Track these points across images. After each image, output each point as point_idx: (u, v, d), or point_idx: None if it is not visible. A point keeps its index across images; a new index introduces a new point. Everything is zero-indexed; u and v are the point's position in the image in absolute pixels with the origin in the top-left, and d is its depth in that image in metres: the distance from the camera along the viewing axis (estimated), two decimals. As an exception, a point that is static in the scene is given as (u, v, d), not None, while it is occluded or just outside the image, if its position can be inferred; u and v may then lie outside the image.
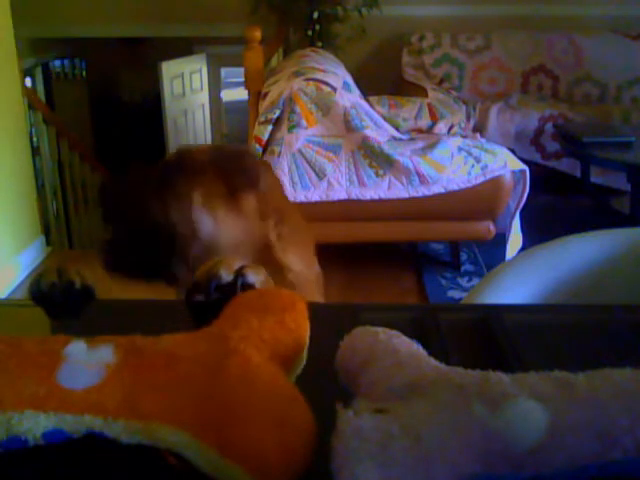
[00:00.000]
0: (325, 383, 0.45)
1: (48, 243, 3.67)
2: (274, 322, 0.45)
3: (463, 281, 2.99)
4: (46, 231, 3.72)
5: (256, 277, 0.58)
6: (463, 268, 3.11)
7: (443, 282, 2.98)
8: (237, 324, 0.44)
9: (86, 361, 0.41)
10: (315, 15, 4.17)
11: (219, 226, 0.83)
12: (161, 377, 0.40)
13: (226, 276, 0.57)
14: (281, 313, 0.46)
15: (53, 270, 0.62)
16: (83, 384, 0.40)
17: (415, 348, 0.43)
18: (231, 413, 0.37)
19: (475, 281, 2.95)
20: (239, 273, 0.57)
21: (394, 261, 3.26)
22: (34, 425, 0.38)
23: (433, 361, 0.41)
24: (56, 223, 4.09)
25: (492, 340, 0.56)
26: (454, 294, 2.86)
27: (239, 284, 0.56)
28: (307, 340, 0.46)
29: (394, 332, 0.44)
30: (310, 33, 4.19)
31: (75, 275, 0.62)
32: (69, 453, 0.40)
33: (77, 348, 0.42)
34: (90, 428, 0.39)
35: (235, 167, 0.86)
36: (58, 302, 0.60)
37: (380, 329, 0.44)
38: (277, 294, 0.49)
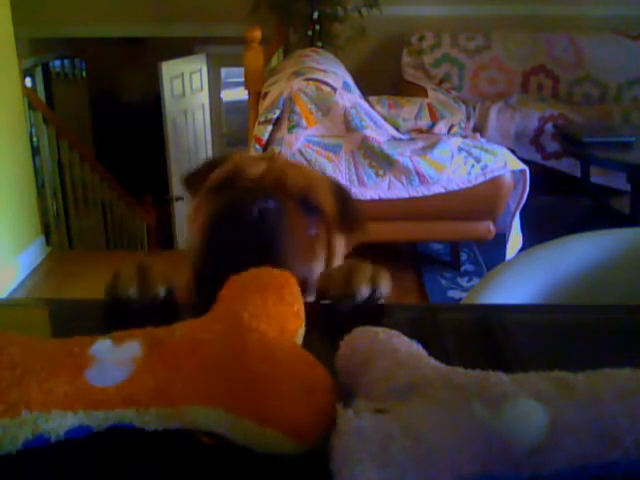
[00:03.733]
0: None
1: (48, 243, 3.67)
2: (275, 299, 0.48)
3: (463, 281, 2.99)
4: (46, 231, 3.72)
5: (386, 285, 0.59)
6: (463, 268, 3.11)
7: (443, 282, 2.99)
8: (244, 304, 0.47)
9: (115, 358, 0.43)
10: (315, 15, 4.17)
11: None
12: (188, 363, 0.42)
13: (365, 293, 0.58)
14: (279, 290, 0.48)
15: (132, 273, 0.57)
16: (114, 381, 0.41)
17: (415, 348, 0.43)
18: (262, 386, 0.40)
19: (475, 281, 2.95)
20: (374, 284, 0.58)
21: (394, 261, 3.26)
22: (59, 424, 0.40)
23: (433, 361, 0.41)
24: (56, 223, 4.09)
25: (492, 340, 0.56)
26: (454, 294, 2.86)
27: (377, 296, 0.58)
28: (303, 312, 0.49)
29: (394, 332, 0.44)
30: (310, 33, 4.19)
31: (161, 282, 0.57)
32: (92, 446, 0.41)
33: (103, 347, 0.44)
34: (121, 421, 0.40)
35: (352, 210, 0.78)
36: (136, 312, 0.56)
37: (380, 329, 0.44)
38: (271, 273, 0.51)
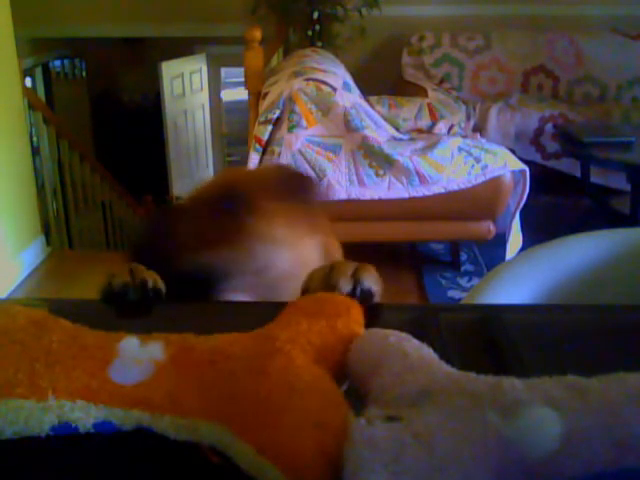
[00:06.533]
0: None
1: (48, 243, 3.67)
2: (326, 327, 0.45)
3: (463, 281, 2.99)
4: (46, 231, 3.72)
5: (371, 280, 0.57)
6: (463, 268, 3.11)
7: (443, 282, 2.99)
8: (286, 326, 0.45)
9: (137, 357, 0.43)
10: (315, 15, 4.17)
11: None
12: (205, 374, 0.41)
13: (346, 286, 0.55)
14: (334, 318, 0.46)
15: (125, 271, 0.61)
16: (132, 380, 0.41)
17: (426, 352, 0.42)
18: (269, 412, 0.37)
19: (475, 281, 2.95)
20: (356, 280, 0.56)
21: (394, 261, 3.26)
22: (85, 415, 0.40)
23: (444, 366, 0.41)
24: (56, 223, 4.09)
25: (492, 340, 0.56)
26: (454, 294, 2.87)
27: (358, 294, 0.55)
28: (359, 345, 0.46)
29: (404, 335, 0.44)
30: (310, 33, 4.19)
31: (148, 275, 0.61)
32: (118, 444, 0.41)
33: (130, 344, 0.44)
34: (139, 423, 0.40)
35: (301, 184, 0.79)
36: (131, 301, 0.59)
37: (390, 332, 0.44)
38: (332, 299, 0.49)
